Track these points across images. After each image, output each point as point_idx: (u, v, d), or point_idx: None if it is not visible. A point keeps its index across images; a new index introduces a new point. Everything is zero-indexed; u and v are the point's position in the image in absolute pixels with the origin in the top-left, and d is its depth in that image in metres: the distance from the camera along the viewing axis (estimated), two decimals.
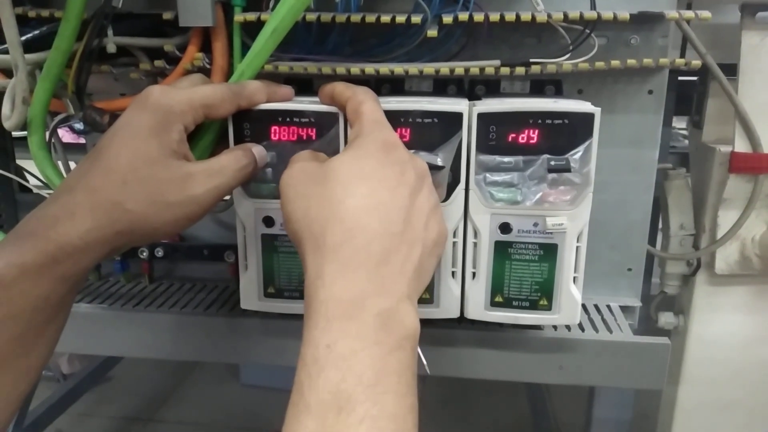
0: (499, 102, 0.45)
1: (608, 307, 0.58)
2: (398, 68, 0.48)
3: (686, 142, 0.71)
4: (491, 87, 0.53)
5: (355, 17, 0.47)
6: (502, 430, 1.51)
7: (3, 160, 0.67)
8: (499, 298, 0.47)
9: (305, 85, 0.52)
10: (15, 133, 0.67)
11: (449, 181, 0.44)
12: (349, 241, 0.34)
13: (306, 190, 0.37)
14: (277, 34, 0.44)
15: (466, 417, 1.53)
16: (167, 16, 0.49)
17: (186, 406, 1.64)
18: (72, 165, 0.58)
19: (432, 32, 0.47)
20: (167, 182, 0.39)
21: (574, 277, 0.46)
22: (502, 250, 0.46)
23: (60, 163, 0.56)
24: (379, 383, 0.30)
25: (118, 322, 0.59)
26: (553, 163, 0.43)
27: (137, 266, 0.64)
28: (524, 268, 0.46)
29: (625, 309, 0.58)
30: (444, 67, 0.48)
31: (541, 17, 0.46)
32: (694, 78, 0.65)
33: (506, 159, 0.44)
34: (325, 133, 0.44)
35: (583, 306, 0.58)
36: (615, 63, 0.49)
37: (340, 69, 0.48)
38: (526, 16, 0.46)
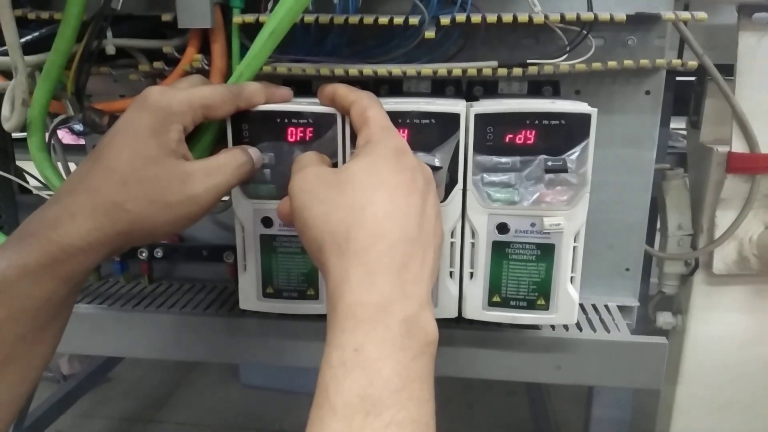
0: (497, 103, 0.46)
1: (606, 306, 0.58)
2: (396, 69, 0.48)
3: (685, 142, 0.71)
4: (489, 88, 0.54)
5: (353, 19, 0.47)
6: (501, 430, 1.51)
7: (3, 162, 0.67)
8: (496, 298, 0.47)
9: (304, 87, 0.53)
10: (15, 134, 0.68)
11: (447, 181, 0.45)
12: (373, 246, 0.34)
13: (324, 196, 0.37)
14: (276, 35, 0.44)
15: (466, 416, 1.53)
16: (166, 17, 0.49)
17: (186, 406, 1.64)
18: (71, 166, 0.58)
19: (429, 34, 0.47)
20: (167, 182, 0.39)
21: (572, 277, 0.46)
22: (499, 250, 0.46)
23: (59, 165, 0.57)
24: (404, 389, 0.30)
25: (117, 323, 0.59)
26: (550, 163, 0.43)
27: (137, 267, 0.64)
28: (522, 268, 0.46)
29: (622, 309, 0.58)
30: (442, 68, 0.48)
31: (538, 18, 0.46)
32: (693, 78, 0.65)
33: (503, 159, 0.44)
34: (323, 134, 0.44)
35: (581, 306, 0.58)
36: (612, 64, 0.49)
37: (339, 70, 0.49)
38: (523, 18, 0.46)
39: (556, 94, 0.53)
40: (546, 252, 0.46)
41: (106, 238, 0.38)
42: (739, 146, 0.59)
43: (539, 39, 0.52)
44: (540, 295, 0.47)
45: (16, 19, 0.46)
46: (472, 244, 0.46)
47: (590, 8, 0.49)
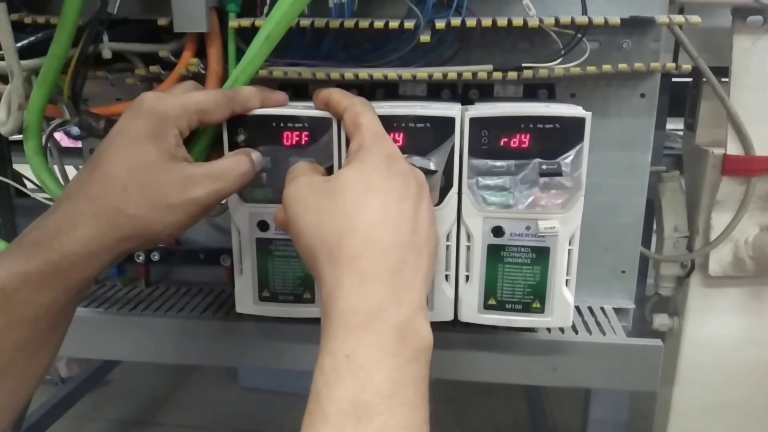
0: (492, 106, 0.46)
1: (602, 309, 0.59)
2: (392, 73, 0.49)
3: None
4: (485, 91, 0.54)
5: (349, 23, 0.47)
6: (499, 431, 1.51)
7: (0, 166, 0.67)
8: (492, 301, 0.47)
9: (300, 90, 0.53)
10: (12, 137, 0.68)
11: (442, 185, 0.45)
12: (365, 252, 0.34)
13: (315, 204, 0.37)
14: (271, 39, 0.44)
15: (463, 418, 1.53)
16: (162, 22, 0.49)
17: (184, 409, 1.64)
18: (68, 169, 0.58)
19: (425, 37, 0.47)
20: (168, 185, 0.39)
21: (567, 280, 0.46)
22: (494, 253, 0.46)
23: (56, 168, 0.57)
24: (396, 394, 0.30)
25: (114, 326, 0.59)
26: (544, 167, 0.43)
27: (134, 270, 0.64)
28: (517, 271, 0.46)
29: (618, 311, 0.59)
30: (437, 72, 0.48)
31: (533, 22, 0.47)
32: (689, 79, 0.65)
33: (498, 163, 0.44)
34: (319, 139, 0.44)
35: (577, 308, 0.58)
36: (606, 67, 0.49)
37: (334, 74, 0.49)
38: (518, 22, 0.47)
39: (551, 97, 0.53)
40: (541, 255, 0.46)
41: (109, 245, 0.38)
42: (734, 149, 0.59)
43: (534, 42, 0.52)
44: (535, 298, 0.47)
45: (13, 24, 0.47)
46: (468, 248, 0.47)
47: (585, 12, 0.49)
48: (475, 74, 0.49)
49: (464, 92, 0.54)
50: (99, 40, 0.49)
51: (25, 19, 0.50)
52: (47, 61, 0.47)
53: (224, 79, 0.49)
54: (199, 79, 0.48)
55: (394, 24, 0.47)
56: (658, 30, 0.52)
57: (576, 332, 0.54)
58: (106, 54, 0.49)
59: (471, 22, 0.47)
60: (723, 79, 0.58)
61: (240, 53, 0.47)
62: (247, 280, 0.49)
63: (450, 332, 0.54)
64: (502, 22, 0.47)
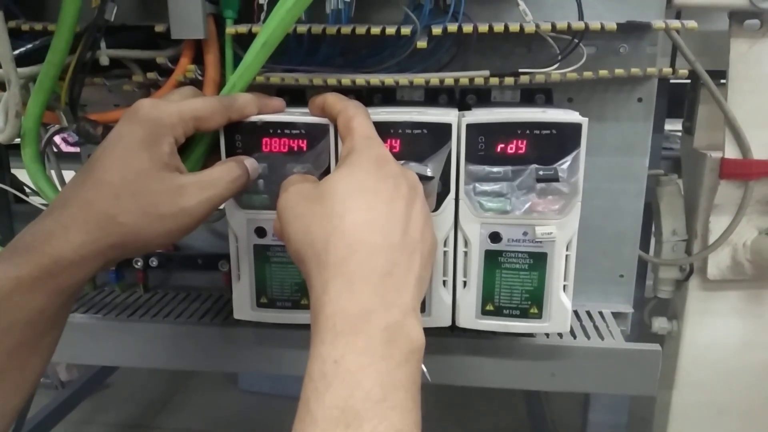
0: (488, 112, 0.46)
1: (600, 313, 0.58)
2: (389, 79, 0.49)
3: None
4: (482, 96, 0.54)
5: (346, 29, 0.47)
6: None
7: None
8: (490, 307, 0.47)
9: (297, 96, 0.53)
10: None
11: (439, 191, 0.45)
12: (352, 255, 0.34)
13: (304, 209, 0.37)
14: (268, 46, 0.44)
15: (464, 421, 1.53)
16: (159, 28, 0.49)
17: (185, 412, 1.63)
18: (66, 175, 0.58)
19: (422, 43, 0.47)
20: (159, 194, 0.39)
21: (564, 286, 0.46)
22: (492, 259, 0.46)
23: (54, 174, 0.57)
24: (386, 399, 0.30)
25: (113, 332, 0.59)
26: (541, 173, 0.43)
27: (132, 276, 0.64)
28: (514, 276, 0.46)
29: (617, 315, 0.59)
30: (434, 78, 0.48)
31: (530, 28, 0.47)
32: (688, 81, 0.65)
33: (495, 169, 0.44)
34: (316, 145, 0.44)
35: (575, 313, 0.58)
36: (603, 73, 0.49)
37: (331, 80, 0.49)
38: (514, 27, 0.47)
39: (548, 102, 0.53)
40: (538, 261, 0.46)
41: (99, 251, 0.38)
42: (732, 152, 0.59)
43: (531, 48, 0.52)
44: (533, 303, 0.47)
45: (10, 31, 0.47)
46: (465, 253, 0.47)
47: (581, 17, 0.49)
48: (472, 80, 0.49)
49: (461, 97, 0.54)
50: (96, 46, 0.48)
51: (23, 26, 0.50)
52: (44, 68, 0.47)
53: (221, 85, 0.49)
54: (197, 85, 0.48)
55: (390, 30, 0.47)
56: (654, 34, 0.52)
57: (574, 337, 0.54)
58: (104, 61, 0.50)
59: (468, 27, 0.47)
60: (721, 81, 0.58)
61: (237, 60, 0.48)
62: (244, 287, 0.49)
63: (448, 338, 0.53)
64: (498, 27, 0.47)
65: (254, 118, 0.45)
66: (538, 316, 0.47)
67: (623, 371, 0.53)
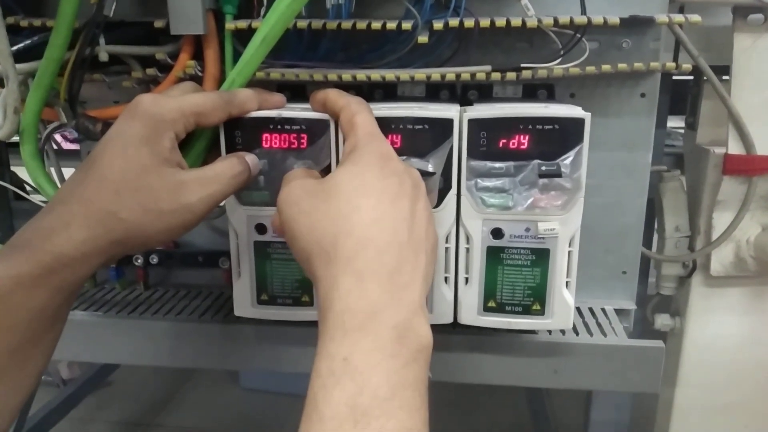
0: (490, 107, 0.45)
1: (603, 310, 0.58)
2: (390, 74, 0.48)
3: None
4: (484, 91, 0.54)
5: (346, 24, 0.47)
6: None
7: None
8: (492, 303, 0.47)
9: (297, 92, 0.52)
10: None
11: (440, 187, 0.44)
12: (361, 253, 0.34)
13: (309, 206, 0.37)
14: (268, 41, 0.44)
15: (465, 419, 1.53)
16: (159, 24, 0.49)
17: (186, 410, 1.64)
18: (65, 172, 0.58)
19: (423, 38, 0.47)
20: (160, 190, 0.39)
21: (567, 282, 0.46)
22: (494, 255, 0.46)
23: (53, 171, 0.57)
24: (394, 397, 0.30)
25: (113, 330, 0.59)
26: (543, 168, 0.43)
27: (132, 273, 0.64)
28: (517, 273, 0.46)
29: (619, 312, 0.58)
30: (435, 73, 0.48)
31: (532, 22, 0.46)
32: (691, 77, 0.65)
33: (497, 164, 0.44)
34: (317, 140, 0.44)
35: (578, 309, 0.58)
36: (606, 68, 0.49)
37: (332, 75, 0.49)
38: (516, 22, 0.46)
39: (550, 97, 0.53)
40: (541, 257, 0.45)
41: (100, 247, 0.38)
42: (735, 148, 0.58)
43: (533, 43, 0.52)
44: (535, 300, 0.46)
45: (8, 27, 0.46)
46: (467, 250, 0.46)
47: (584, 12, 0.48)
48: (473, 75, 0.48)
49: (463, 93, 0.54)
50: (95, 42, 0.48)
51: (21, 22, 0.49)
52: (43, 64, 0.46)
53: (221, 81, 0.48)
54: (196, 81, 0.48)
55: (391, 25, 0.46)
56: (657, 29, 0.51)
57: (577, 334, 0.54)
58: (103, 57, 0.49)
59: (469, 22, 0.46)
60: (724, 78, 0.57)
61: (237, 55, 0.47)
62: (245, 284, 0.48)
63: (450, 335, 0.53)
64: (500, 22, 0.46)
65: (254, 114, 0.44)
66: (541, 312, 0.47)
67: (626, 368, 0.53)
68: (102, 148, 0.39)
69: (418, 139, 0.44)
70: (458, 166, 0.44)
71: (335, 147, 0.44)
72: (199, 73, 0.49)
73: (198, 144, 0.45)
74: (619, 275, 0.58)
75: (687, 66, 0.50)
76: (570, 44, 0.48)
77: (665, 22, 0.48)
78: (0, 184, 0.64)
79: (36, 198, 0.57)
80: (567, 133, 0.43)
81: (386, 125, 0.43)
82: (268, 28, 0.43)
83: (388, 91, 0.54)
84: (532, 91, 0.53)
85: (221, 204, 0.47)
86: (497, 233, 0.45)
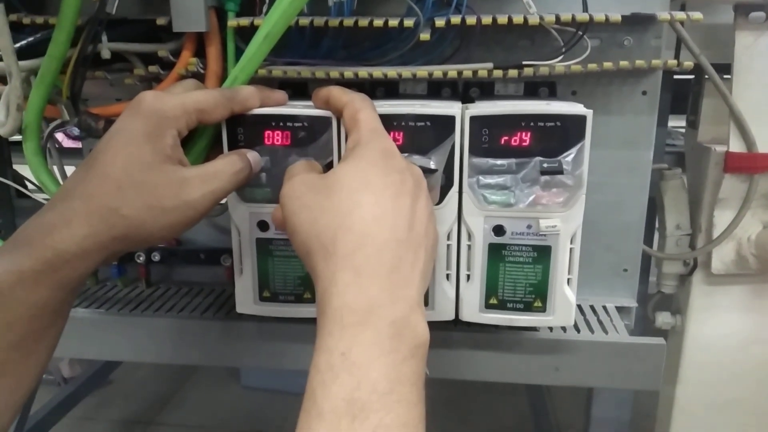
0: (492, 105, 0.45)
1: (604, 307, 0.58)
2: (391, 72, 0.48)
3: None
4: (485, 89, 0.54)
5: (348, 21, 0.47)
6: (502, 430, 1.51)
7: (0, 167, 0.67)
8: (493, 300, 0.47)
9: (299, 89, 0.52)
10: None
11: (442, 184, 0.44)
12: (360, 249, 0.34)
13: (310, 201, 0.37)
14: (270, 38, 0.44)
15: (466, 417, 1.53)
16: (161, 21, 0.49)
17: (187, 408, 1.64)
18: (67, 169, 0.58)
19: (425, 36, 0.47)
20: (162, 187, 0.39)
21: (568, 279, 0.46)
22: (496, 252, 0.46)
23: (56, 169, 0.57)
24: (392, 392, 0.30)
25: (115, 327, 0.59)
26: (545, 165, 0.43)
27: (134, 271, 0.64)
28: (518, 270, 0.46)
29: (621, 309, 0.58)
30: (437, 71, 0.48)
31: (533, 20, 0.46)
32: (692, 76, 0.65)
33: (499, 161, 0.44)
34: (319, 138, 0.44)
35: (579, 307, 0.58)
36: (607, 65, 0.49)
37: (334, 73, 0.49)
38: (518, 19, 0.46)
39: (552, 95, 0.53)
40: (542, 254, 0.45)
41: (102, 244, 0.38)
42: (736, 146, 0.58)
43: (535, 40, 0.52)
44: (537, 297, 0.46)
45: (11, 24, 0.47)
46: (469, 247, 0.46)
47: (585, 9, 0.48)
48: (475, 72, 0.48)
49: (465, 90, 0.54)
50: (98, 40, 0.48)
51: (24, 19, 0.50)
52: (46, 62, 0.46)
53: (223, 78, 0.48)
54: (198, 78, 0.48)
55: (393, 22, 0.46)
56: (659, 27, 0.51)
57: (578, 331, 0.54)
58: (105, 54, 0.49)
59: (471, 20, 0.46)
60: (725, 76, 0.57)
61: (239, 52, 0.47)
62: (247, 281, 0.49)
63: (451, 332, 0.53)
64: (502, 19, 0.46)
65: (256, 111, 0.44)
66: (542, 309, 0.47)
67: (627, 365, 0.53)
68: (104, 145, 0.39)
69: (420, 137, 0.44)
70: (460, 163, 0.44)
71: (337, 144, 0.44)
72: (202, 71, 0.49)
73: (200, 141, 0.45)
74: (621, 273, 0.59)
75: (688, 64, 0.51)
76: (572, 42, 0.48)
77: (667, 19, 0.48)
78: (2, 181, 0.65)
79: (38, 195, 0.58)
80: (569, 131, 0.43)
81: (388, 122, 0.43)
82: (270, 25, 0.43)
83: (390, 89, 0.54)
84: (533, 89, 0.53)
85: (223, 201, 0.47)
86: (499, 230, 0.45)
